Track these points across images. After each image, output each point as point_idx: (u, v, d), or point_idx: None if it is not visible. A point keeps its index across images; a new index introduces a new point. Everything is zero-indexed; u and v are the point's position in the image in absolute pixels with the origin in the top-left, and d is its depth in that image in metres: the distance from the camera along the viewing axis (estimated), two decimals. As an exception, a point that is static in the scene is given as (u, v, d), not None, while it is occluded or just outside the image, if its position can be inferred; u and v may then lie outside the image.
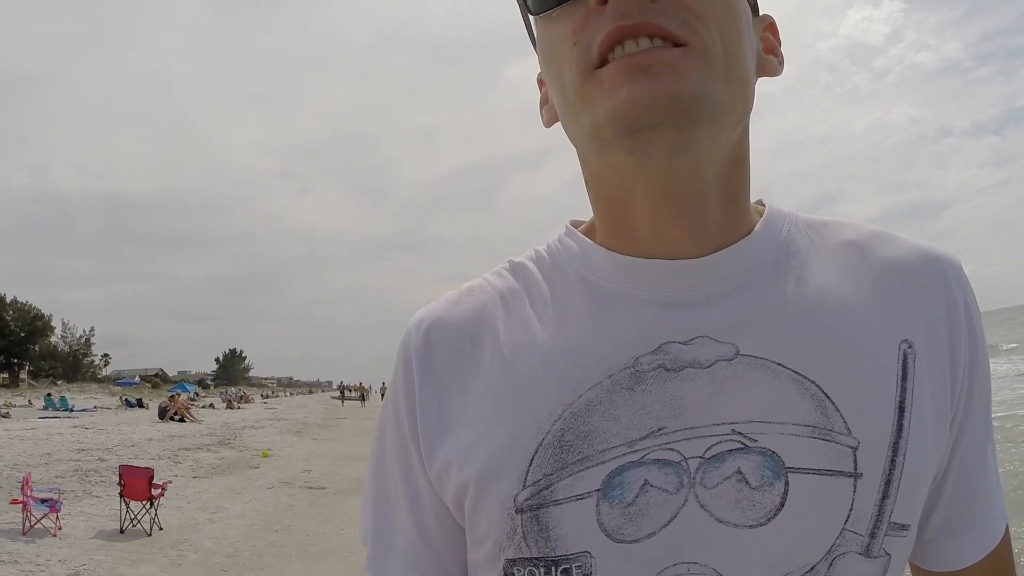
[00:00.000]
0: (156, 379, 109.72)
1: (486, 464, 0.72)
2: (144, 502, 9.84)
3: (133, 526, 9.72)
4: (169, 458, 17.63)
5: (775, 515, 0.67)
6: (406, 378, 0.81)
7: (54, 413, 40.26)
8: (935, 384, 0.73)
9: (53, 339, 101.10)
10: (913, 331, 0.73)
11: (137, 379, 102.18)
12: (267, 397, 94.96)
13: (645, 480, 0.68)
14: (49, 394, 50.70)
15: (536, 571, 0.70)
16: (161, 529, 9.76)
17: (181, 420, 32.90)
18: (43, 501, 9.52)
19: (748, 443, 0.68)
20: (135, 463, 13.87)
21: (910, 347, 0.72)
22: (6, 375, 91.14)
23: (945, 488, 0.77)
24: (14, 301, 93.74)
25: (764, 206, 0.81)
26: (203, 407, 48.33)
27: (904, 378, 0.71)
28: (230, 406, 53.98)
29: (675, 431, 0.69)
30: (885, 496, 0.69)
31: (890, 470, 0.69)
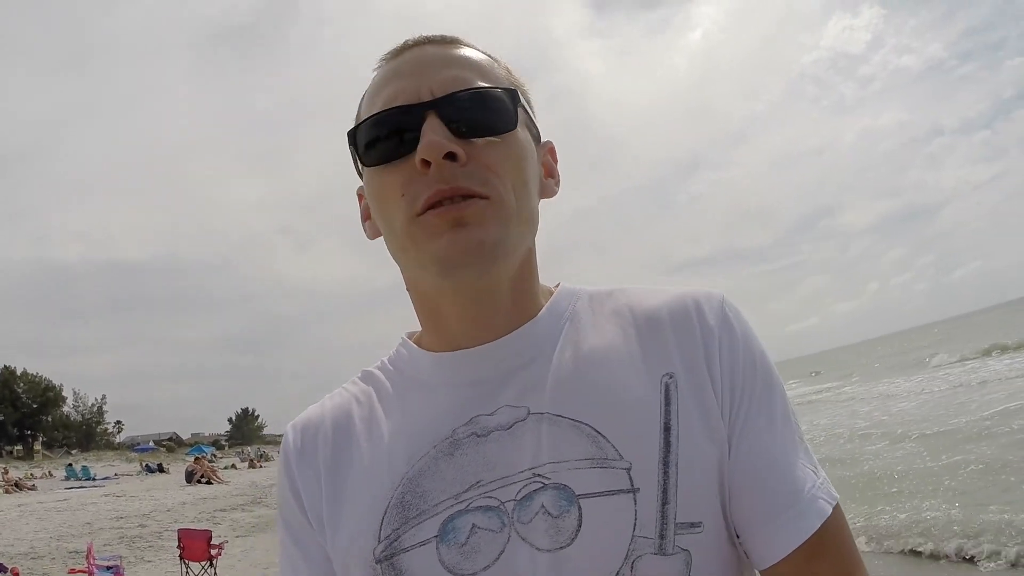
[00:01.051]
0: (171, 443, 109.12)
1: (352, 528, 0.89)
2: (203, 562, 10.19)
3: (193, 587, 10.04)
4: (207, 520, 17.90)
5: (576, 535, 0.81)
6: (288, 474, 0.97)
7: (79, 483, 40.36)
8: (700, 403, 0.87)
9: (65, 409, 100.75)
10: (673, 364, 0.89)
11: (152, 444, 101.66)
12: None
13: (473, 524, 0.83)
14: (71, 464, 50.73)
15: None
16: (220, 587, 10.05)
17: (208, 482, 33.25)
18: (108, 568, 9.89)
19: (545, 481, 0.83)
20: (175, 527, 14.13)
21: (671, 377, 0.88)
22: (20, 447, 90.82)
23: (735, 488, 0.86)
24: (24, 373, 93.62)
25: (558, 287, 1.02)
26: (225, 468, 48.45)
27: (668, 403, 0.86)
28: (252, 465, 54.21)
29: (491, 482, 0.84)
30: (665, 502, 0.82)
31: (665, 480, 0.82)
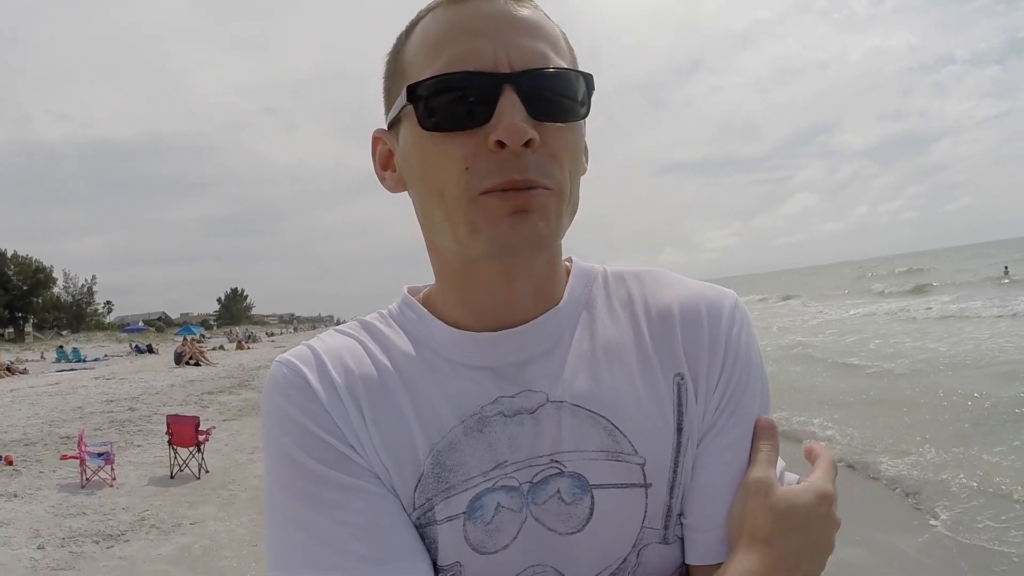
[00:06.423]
0: (160, 323, 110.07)
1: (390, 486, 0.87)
2: (191, 448, 10.36)
3: (182, 471, 10.23)
4: (195, 403, 18.20)
5: (587, 523, 0.86)
6: (311, 406, 0.87)
7: (69, 365, 40.82)
8: (700, 407, 0.91)
9: (56, 290, 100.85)
10: (682, 365, 0.91)
11: (141, 324, 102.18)
12: (272, 335, 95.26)
13: (498, 503, 0.85)
14: (61, 346, 51.15)
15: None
16: (208, 472, 10.24)
17: (196, 364, 33.74)
18: (99, 455, 10.03)
19: (562, 468, 0.86)
20: (163, 411, 14.50)
21: (682, 379, 0.91)
22: (11, 329, 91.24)
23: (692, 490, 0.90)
24: (15, 256, 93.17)
25: (571, 263, 1.01)
26: (213, 349, 48.83)
27: (679, 404, 0.90)
28: (240, 347, 54.70)
29: (513, 463, 0.86)
30: (671, 498, 0.88)
31: (673, 478, 0.88)
